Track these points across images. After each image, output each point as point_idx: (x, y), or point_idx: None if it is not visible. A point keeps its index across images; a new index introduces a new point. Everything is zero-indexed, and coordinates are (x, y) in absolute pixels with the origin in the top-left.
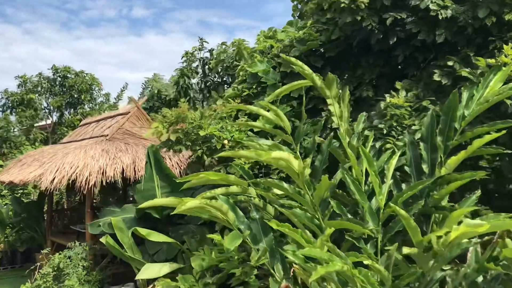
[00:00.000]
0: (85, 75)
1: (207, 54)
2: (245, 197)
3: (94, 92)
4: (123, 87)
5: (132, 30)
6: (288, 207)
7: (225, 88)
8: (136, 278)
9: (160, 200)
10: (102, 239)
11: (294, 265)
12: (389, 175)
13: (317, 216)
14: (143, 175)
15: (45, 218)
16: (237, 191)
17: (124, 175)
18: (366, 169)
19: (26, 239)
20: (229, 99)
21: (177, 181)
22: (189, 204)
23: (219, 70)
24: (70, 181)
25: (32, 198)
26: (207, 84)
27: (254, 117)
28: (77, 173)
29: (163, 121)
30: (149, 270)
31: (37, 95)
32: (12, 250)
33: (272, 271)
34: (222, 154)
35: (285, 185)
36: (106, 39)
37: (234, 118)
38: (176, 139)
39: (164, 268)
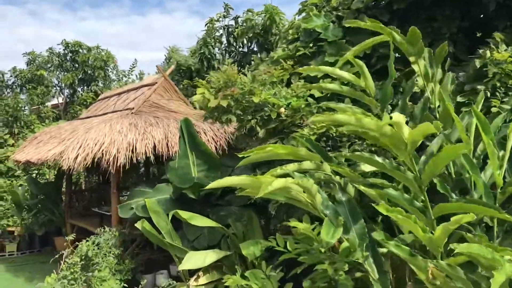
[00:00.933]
0: (101, 50)
1: (232, 22)
2: (322, 175)
3: (108, 68)
4: (133, 64)
5: (136, 10)
6: (379, 187)
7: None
8: (179, 268)
9: (232, 180)
10: (138, 224)
11: (430, 264)
12: (509, 144)
13: (423, 198)
14: (177, 151)
15: (64, 200)
16: (310, 167)
17: (156, 151)
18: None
19: (44, 222)
20: (281, 60)
21: (240, 155)
22: (275, 184)
23: (246, 38)
24: (96, 159)
25: (48, 178)
26: (231, 54)
27: (310, 80)
28: (103, 150)
29: (209, 87)
30: (193, 260)
31: (47, 72)
32: (30, 234)
33: (366, 266)
34: (316, 118)
35: (379, 159)
36: (110, 20)
37: (287, 83)
38: (226, 107)
39: (210, 256)
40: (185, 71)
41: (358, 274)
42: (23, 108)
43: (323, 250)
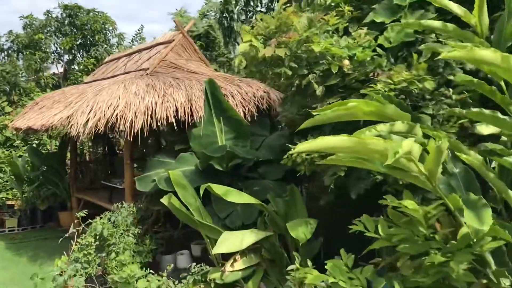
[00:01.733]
0: (97, 13)
1: None
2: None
3: (108, 32)
4: (139, 29)
5: None
6: (497, 154)
7: None
8: (213, 252)
9: (327, 141)
10: (164, 199)
11: None
12: None
13: None
14: (202, 116)
15: (68, 172)
16: (402, 129)
17: (179, 116)
18: None
19: (47, 196)
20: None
21: (314, 113)
22: (405, 147)
23: None
24: (105, 127)
25: (49, 149)
26: (249, 15)
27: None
28: (117, 115)
29: (257, 33)
30: (229, 241)
31: (45, 36)
32: (32, 208)
33: (487, 258)
34: (450, 54)
35: (506, 117)
36: None
37: (344, 32)
38: (279, 59)
39: (248, 237)
40: (200, 36)
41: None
42: (21, 74)
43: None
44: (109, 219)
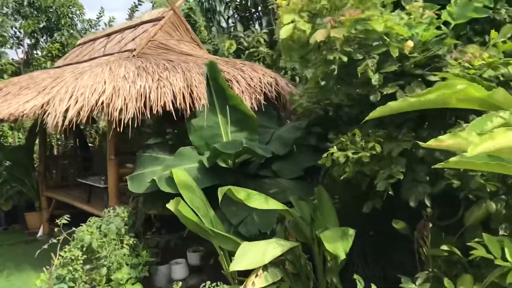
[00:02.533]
0: None
1: None
2: None
3: (74, 16)
4: (100, 13)
5: None
6: None
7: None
8: (231, 269)
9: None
10: (171, 205)
11: None
12: None
13: None
14: (205, 105)
15: (37, 168)
16: None
17: (177, 104)
18: None
19: (11, 195)
20: None
21: (411, 98)
22: None
23: None
24: (95, 113)
25: (11, 142)
26: None
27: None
28: (103, 102)
29: (299, 9)
30: (250, 256)
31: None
32: None
33: None
34: None
35: None
36: None
37: (396, 6)
38: (333, 41)
39: (271, 249)
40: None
41: None
42: None
43: None
44: (99, 228)
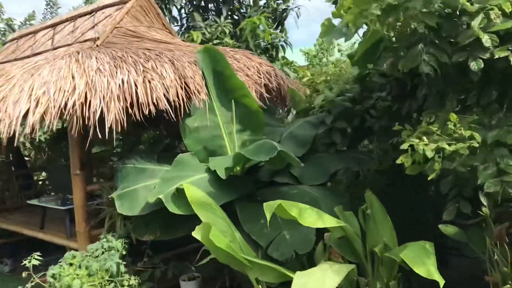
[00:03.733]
0: None
1: None
2: None
3: None
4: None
5: None
6: None
7: None
8: None
9: None
10: (197, 232)
11: None
12: None
13: None
14: (204, 100)
15: None
16: None
17: (171, 101)
18: None
19: None
20: None
21: None
22: None
23: None
24: (65, 117)
25: None
26: None
27: None
28: (76, 102)
29: None
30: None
31: None
32: None
33: None
34: None
35: None
36: None
37: None
38: None
39: (329, 277)
40: None
41: None
42: None
43: None
44: (83, 266)
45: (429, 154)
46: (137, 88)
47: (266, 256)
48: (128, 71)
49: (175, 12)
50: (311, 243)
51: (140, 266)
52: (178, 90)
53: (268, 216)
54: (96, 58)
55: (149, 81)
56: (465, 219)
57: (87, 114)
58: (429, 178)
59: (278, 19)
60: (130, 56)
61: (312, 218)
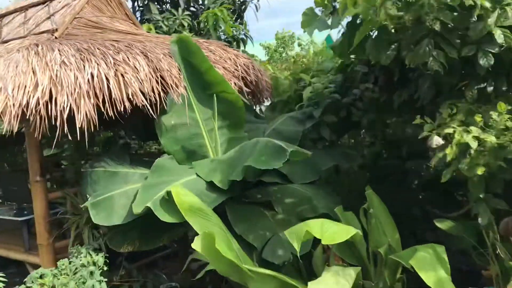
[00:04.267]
0: None
1: None
2: None
3: None
4: None
5: None
6: None
7: None
8: None
9: None
10: (197, 244)
11: None
12: None
13: None
14: (182, 94)
15: None
16: None
17: (147, 97)
18: None
19: None
20: None
21: None
22: None
23: None
24: (28, 117)
25: None
26: None
27: None
28: (40, 100)
29: None
30: None
31: None
32: None
33: None
34: None
35: None
36: None
37: None
38: None
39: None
40: None
41: None
42: None
43: None
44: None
45: (473, 145)
46: (109, 82)
47: (261, 260)
48: (98, 64)
49: (129, 4)
50: (309, 245)
51: (117, 281)
52: (154, 85)
53: (297, 247)
54: (58, 50)
55: (122, 75)
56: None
57: (54, 113)
58: (473, 176)
59: (237, 11)
60: (98, 48)
61: (335, 232)
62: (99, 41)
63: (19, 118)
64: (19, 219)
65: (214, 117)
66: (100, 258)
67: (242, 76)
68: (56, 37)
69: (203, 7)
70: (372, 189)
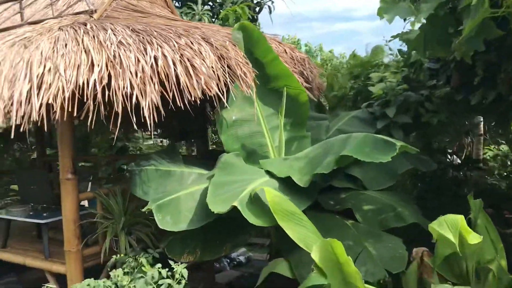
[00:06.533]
0: None
1: None
2: None
3: None
4: None
5: None
6: None
7: None
8: None
9: None
10: (315, 253)
11: None
12: None
13: None
14: (251, 86)
15: None
16: None
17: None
18: None
19: None
20: None
21: None
22: None
23: None
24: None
25: None
26: None
27: None
28: (96, 81)
29: None
30: None
31: None
32: None
33: None
34: None
35: None
36: None
37: None
38: None
39: None
40: None
41: None
42: None
43: None
44: None
45: None
46: (176, 68)
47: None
48: (160, 47)
49: None
50: (404, 260)
51: None
52: (221, 74)
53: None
54: (111, 30)
55: (188, 60)
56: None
57: (115, 98)
58: None
59: (253, 11)
60: (155, 31)
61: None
62: (152, 24)
63: (69, 102)
64: (41, 221)
65: (281, 114)
66: (183, 270)
67: (299, 71)
68: (94, 19)
69: (219, 4)
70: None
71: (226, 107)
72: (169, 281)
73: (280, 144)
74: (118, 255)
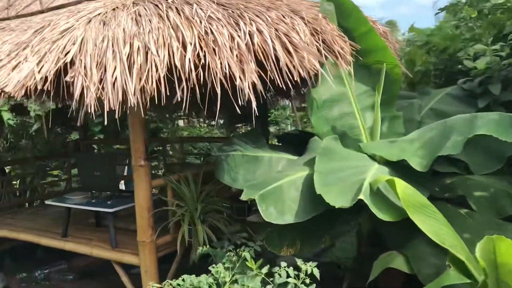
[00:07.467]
0: None
1: None
2: None
3: None
4: None
5: None
6: None
7: None
8: None
9: None
10: (481, 250)
11: None
12: None
13: None
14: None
15: None
16: None
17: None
18: None
19: None
20: None
21: None
22: None
23: None
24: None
25: None
26: None
27: None
28: (191, 61)
29: None
30: None
31: None
32: None
33: None
34: None
35: None
36: None
37: None
38: None
39: None
40: None
41: None
42: None
43: None
44: None
45: None
46: (274, 44)
47: None
48: (253, 21)
49: None
50: None
51: None
52: (315, 51)
53: None
54: (196, 4)
55: (286, 35)
56: None
57: (212, 78)
58: None
59: None
60: (241, 4)
61: None
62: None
63: (163, 85)
64: (109, 210)
65: (379, 92)
66: (314, 269)
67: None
68: None
69: None
70: None
71: (313, 86)
72: (294, 281)
73: (376, 125)
74: (203, 247)
